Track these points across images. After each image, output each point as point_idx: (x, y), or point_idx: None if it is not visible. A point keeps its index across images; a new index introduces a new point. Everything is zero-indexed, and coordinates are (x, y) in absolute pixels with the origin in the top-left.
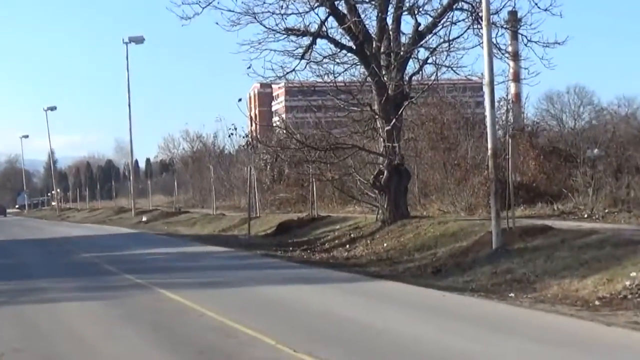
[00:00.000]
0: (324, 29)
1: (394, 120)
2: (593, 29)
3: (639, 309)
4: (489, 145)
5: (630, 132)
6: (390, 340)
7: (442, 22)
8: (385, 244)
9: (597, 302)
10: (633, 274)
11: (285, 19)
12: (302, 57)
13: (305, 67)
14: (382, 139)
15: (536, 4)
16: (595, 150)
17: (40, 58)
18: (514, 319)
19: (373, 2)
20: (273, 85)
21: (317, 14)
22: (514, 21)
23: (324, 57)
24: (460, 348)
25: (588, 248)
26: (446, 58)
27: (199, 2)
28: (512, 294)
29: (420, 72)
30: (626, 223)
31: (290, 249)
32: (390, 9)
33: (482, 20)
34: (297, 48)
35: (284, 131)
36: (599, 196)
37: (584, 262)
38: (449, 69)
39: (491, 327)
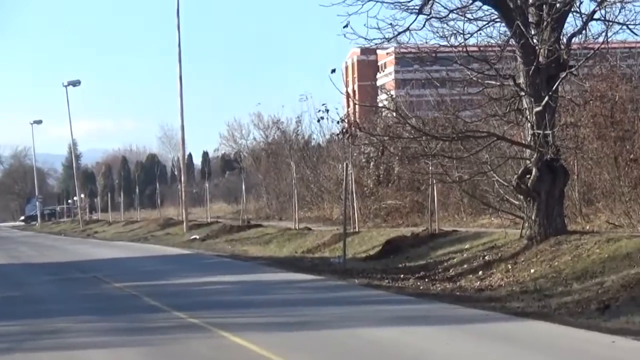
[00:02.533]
0: None
1: (546, 99)
2: None
3: None
4: None
5: None
6: None
7: None
8: (532, 270)
9: None
10: None
11: None
12: (420, 12)
13: (424, 25)
14: (529, 125)
15: None
16: None
17: (56, 17)
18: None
19: None
20: (379, 51)
21: None
22: None
23: (450, 11)
24: None
25: None
26: (620, 11)
27: None
28: None
29: (584, 32)
30: None
31: (402, 276)
32: None
33: None
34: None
35: (394, 114)
36: None
37: None
38: (624, 27)
39: None
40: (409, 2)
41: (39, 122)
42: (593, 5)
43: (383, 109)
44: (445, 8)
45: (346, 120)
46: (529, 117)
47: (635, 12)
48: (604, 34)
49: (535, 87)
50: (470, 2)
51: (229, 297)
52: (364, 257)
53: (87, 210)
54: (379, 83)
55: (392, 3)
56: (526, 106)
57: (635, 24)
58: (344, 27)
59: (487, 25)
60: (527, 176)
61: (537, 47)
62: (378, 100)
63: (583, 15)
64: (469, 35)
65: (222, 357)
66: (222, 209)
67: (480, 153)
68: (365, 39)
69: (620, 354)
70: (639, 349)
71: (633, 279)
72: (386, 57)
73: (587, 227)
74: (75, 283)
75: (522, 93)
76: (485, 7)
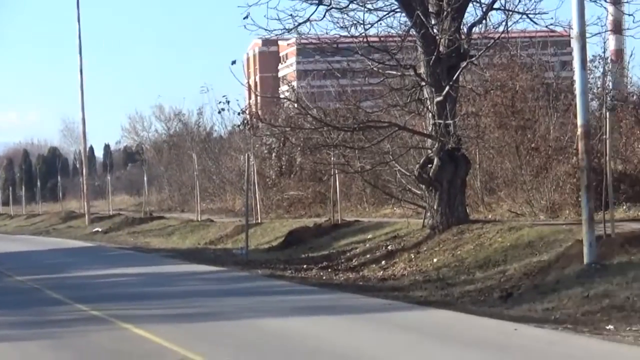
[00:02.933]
0: None
1: (447, 88)
2: None
3: None
4: (579, 122)
5: None
6: None
7: None
8: (435, 259)
9: None
10: None
11: None
12: (320, 2)
13: (325, 16)
14: (430, 115)
15: None
16: None
17: None
18: None
19: None
20: (280, 42)
21: None
22: None
23: (351, 2)
24: None
25: None
26: (520, 1)
27: None
28: (610, 326)
29: (484, 21)
30: None
31: (304, 267)
32: None
33: None
34: None
35: (295, 105)
36: None
37: None
38: (524, 16)
39: None
40: None
41: None
42: None
43: (284, 100)
44: None
45: (247, 112)
46: (430, 107)
47: (535, 1)
48: (504, 23)
49: (436, 77)
50: None
51: (131, 289)
52: (267, 248)
53: None
54: (280, 74)
55: None
56: (427, 96)
57: (535, 13)
58: (244, 18)
59: (387, 16)
60: (429, 166)
61: (437, 37)
62: (279, 92)
63: (483, 5)
64: (370, 26)
65: (124, 349)
66: (125, 202)
67: (382, 143)
68: (266, 30)
69: (523, 341)
70: (541, 336)
71: (535, 267)
72: (287, 48)
73: (490, 216)
74: None
75: (423, 83)
76: None
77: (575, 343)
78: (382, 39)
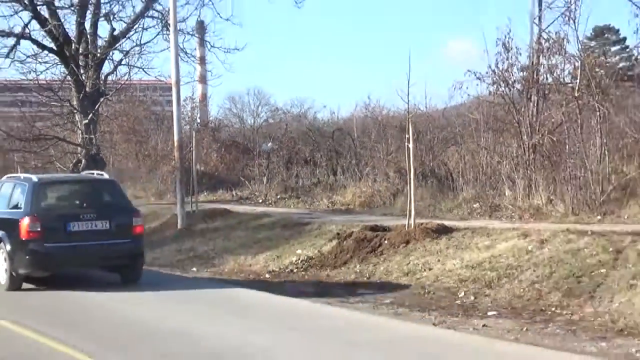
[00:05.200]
0: (27, 31)
1: (90, 115)
2: (269, 37)
3: (302, 280)
4: (175, 138)
5: (300, 129)
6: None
7: (134, 27)
8: None
9: (267, 275)
10: (299, 251)
11: None
12: (7, 56)
13: (10, 65)
14: (80, 131)
15: (218, 14)
16: (269, 144)
17: None
18: (193, 293)
19: (72, 8)
20: None
21: (20, 18)
22: (201, 29)
23: (28, 57)
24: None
25: (261, 228)
26: (138, 60)
27: None
28: (194, 268)
29: (115, 72)
30: (295, 207)
31: None
32: (88, 15)
33: (170, 27)
34: (2, 47)
35: None
36: (272, 184)
37: (258, 240)
38: (141, 69)
39: (176, 300)
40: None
41: None
42: (121, 56)
43: None
44: (25, 54)
45: None
46: (80, 126)
47: (148, 60)
48: (128, 74)
49: (84, 107)
50: (41, 51)
51: None
52: None
53: None
54: None
55: None
56: (78, 119)
57: (148, 68)
58: None
59: (52, 66)
60: (79, 164)
61: (85, 81)
62: None
63: (114, 62)
64: (40, 73)
65: None
66: None
67: (49, 149)
68: None
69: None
70: (147, 274)
71: (147, 231)
72: None
73: None
74: None
75: (76, 111)
76: (51, 54)
77: (170, 277)
78: (48, 81)
